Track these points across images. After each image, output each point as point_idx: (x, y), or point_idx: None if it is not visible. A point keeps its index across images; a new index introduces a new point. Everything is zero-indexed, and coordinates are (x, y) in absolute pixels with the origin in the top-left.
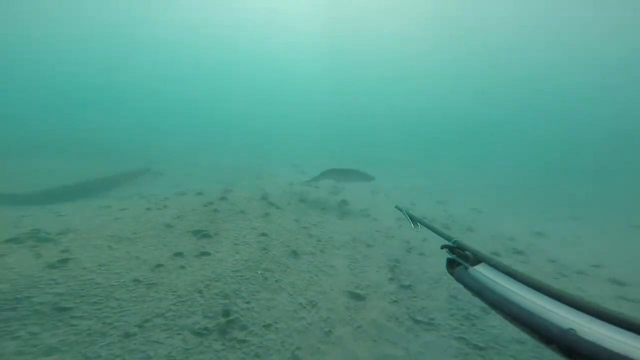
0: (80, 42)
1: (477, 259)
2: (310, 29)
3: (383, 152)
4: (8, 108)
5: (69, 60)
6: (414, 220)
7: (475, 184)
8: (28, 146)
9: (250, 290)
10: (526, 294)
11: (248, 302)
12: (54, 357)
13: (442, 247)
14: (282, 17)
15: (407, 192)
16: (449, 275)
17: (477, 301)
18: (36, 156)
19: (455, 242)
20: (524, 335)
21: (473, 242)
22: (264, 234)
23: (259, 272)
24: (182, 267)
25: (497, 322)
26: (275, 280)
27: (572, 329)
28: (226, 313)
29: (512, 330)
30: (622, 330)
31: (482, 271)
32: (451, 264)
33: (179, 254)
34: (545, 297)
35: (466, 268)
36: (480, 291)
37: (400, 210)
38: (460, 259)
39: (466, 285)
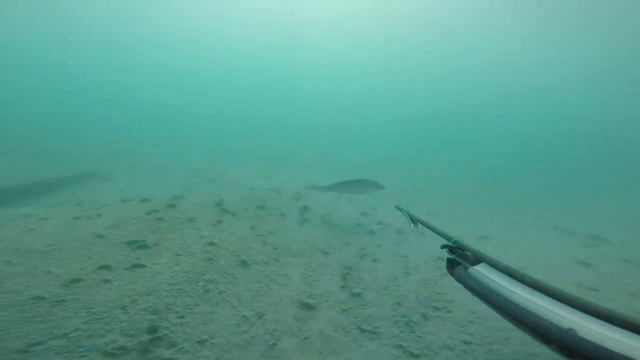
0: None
1: (477, 259)
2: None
3: (353, 155)
4: None
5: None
6: (413, 220)
7: (435, 188)
8: None
9: (187, 303)
10: (526, 294)
11: (182, 317)
12: None
13: (442, 247)
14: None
15: (369, 197)
16: (451, 274)
17: (419, 307)
18: None
19: (455, 242)
20: (453, 342)
21: (425, 244)
22: (212, 244)
23: (200, 284)
24: (107, 281)
25: (433, 329)
26: (219, 292)
27: (572, 329)
28: (152, 330)
29: (444, 336)
30: (622, 330)
31: (482, 271)
32: (451, 264)
33: (105, 267)
34: (545, 297)
35: (466, 268)
36: (480, 291)
37: (400, 210)
38: (460, 259)
39: (466, 285)
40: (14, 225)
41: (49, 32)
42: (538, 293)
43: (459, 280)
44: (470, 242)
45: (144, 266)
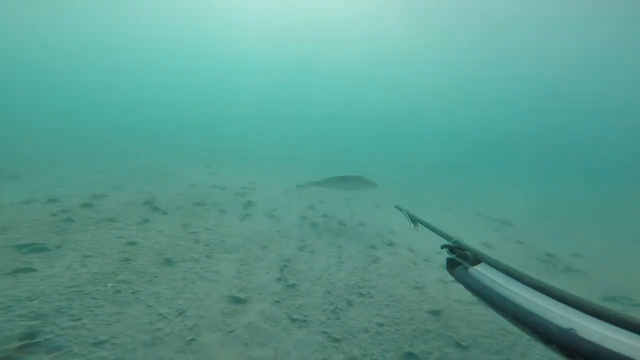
0: None
1: (477, 259)
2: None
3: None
4: None
5: None
6: (413, 220)
7: (386, 183)
8: None
9: (87, 306)
10: (526, 294)
11: (78, 320)
12: None
13: (442, 246)
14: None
15: (321, 191)
16: (450, 272)
17: (345, 294)
18: None
19: (455, 242)
20: (369, 324)
21: (362, 234)
22: (132, 243)
23: (109, 285)
24: None
25: (355, 314)
26: (132, 292)
27: (572, 329)
28: (30, 335)
29: (363, 320)
30: (621, 330)
31: (482, 271)
32: (451, 264)
33: None
34: (545, 297)
35: (466, 268)
36: (481, 291)
37: (400, 210)
38: (460, 258)
39: (466, 285)
40: None
41: None
42: (538, 293)
43: (459, 280)
44: (403, 230)
45: (32, 270)
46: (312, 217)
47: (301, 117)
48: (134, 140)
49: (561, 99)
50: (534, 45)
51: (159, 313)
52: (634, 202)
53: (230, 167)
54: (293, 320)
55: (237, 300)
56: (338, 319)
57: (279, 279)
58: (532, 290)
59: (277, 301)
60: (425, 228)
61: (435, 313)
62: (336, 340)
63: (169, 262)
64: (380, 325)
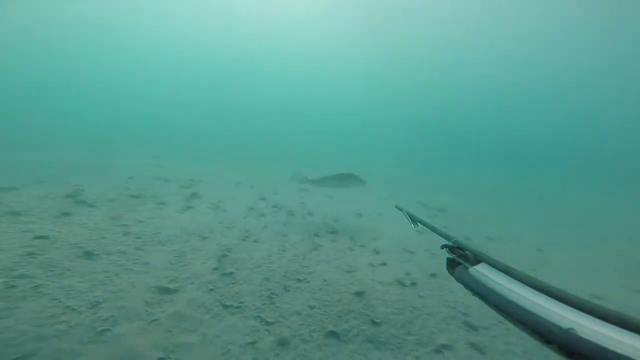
0: None
1: (477, 259)
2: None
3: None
4: None
5: None
6: (413, 219)
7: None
8: None
9: None
10: (526, 294)
11: None
12: None
13: (442, 246)
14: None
15: (274, 183)
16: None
17: (284, 280)
18: None
19: (455, 241)
20: (302, 307)
21: (308, 223)
22: (41, 237)
23: (1, 279)
24: None
25: (290, 299)
26: (34, 287)
27: (572, 329)
28: None
29: (296, 304)
30: (622, 330)
31: (482, 271)
32: (451, 264)
33: None
34: (545, 297)
35: (466, 268)
36: (481, 291)
37: (400, 210)
38: (460, 258)
39: (466, 285)
40: None
41: None
42: (538, 293)
43: (459, 280)
44: (347, 219)
45: None
46: (261, 208)
47: (250, 113)
48: (83, 132)
49: (497, 94)
50: (470, 39)
51: (67, 306)
52: (547, 188)
53: (180, 159)
54: (226, 306)
55: (166, 291)
56: (273, 303)
57: (215, 269)
58: (532, 290)
59: (210, 289)
60: (426, 228)
61: (359, 294)
62: (269, 323)
63: (88, 255)
64: (311, 307)
